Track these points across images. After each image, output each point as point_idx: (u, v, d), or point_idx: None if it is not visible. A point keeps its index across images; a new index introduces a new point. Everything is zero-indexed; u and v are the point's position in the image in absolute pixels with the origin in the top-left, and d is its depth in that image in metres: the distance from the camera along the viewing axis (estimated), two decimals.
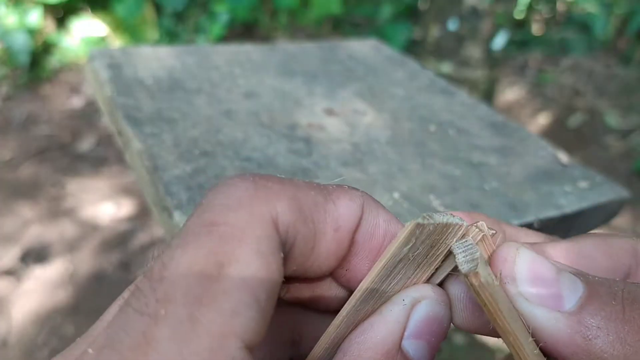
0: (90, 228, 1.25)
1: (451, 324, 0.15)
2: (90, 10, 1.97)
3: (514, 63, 2.05)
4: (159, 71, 0.42)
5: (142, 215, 1.30)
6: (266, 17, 2.05)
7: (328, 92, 0.44)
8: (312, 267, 0.15)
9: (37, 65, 1.83)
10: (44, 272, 1.12)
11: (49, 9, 1.91)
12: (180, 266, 0.12)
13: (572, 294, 0.13)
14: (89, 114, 1.69)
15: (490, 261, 0.14)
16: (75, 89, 1.80)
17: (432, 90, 0.47)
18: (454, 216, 0.14)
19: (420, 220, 0.13)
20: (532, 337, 0.13)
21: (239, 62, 0.47)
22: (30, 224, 1.25)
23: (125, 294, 0.13)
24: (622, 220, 1.35)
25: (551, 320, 0.13)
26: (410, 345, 0.14)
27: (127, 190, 1.38)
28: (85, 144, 1.56)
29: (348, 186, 0.15)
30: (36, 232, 1.22)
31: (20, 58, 1.76)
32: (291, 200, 0.13)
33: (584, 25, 2.10)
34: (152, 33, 1.94)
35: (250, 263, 0.12)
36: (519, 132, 0.41)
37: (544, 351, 0.14)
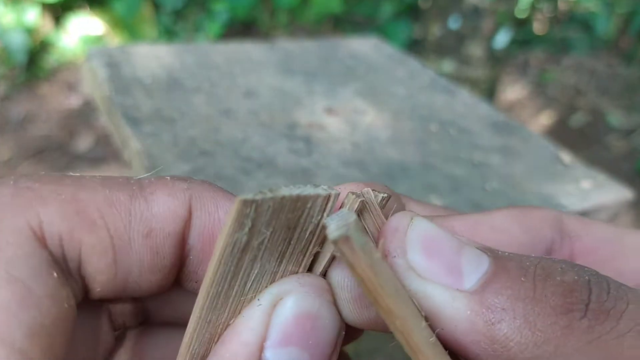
0: None
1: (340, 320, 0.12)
2: (88, 8, 1.97)
3: (516, 62, 2.05)
4: (157, 70, 0.42)
5: None
6: (266, 16, 2.04)
7: (328, 91, 0.44)
8: (131, 285, 0.12)
9: (34, 64, 1.82)
10: None
11: (46, 7, 1.90)
12: None
13: (475, 269, 0.11)
14: (87, 113, 1.69)
15: (378, 235, 0.12)
16: (73, 88, 1.79)
17: (433, 89, 0.47)
18: (317, 186, 0.11)
19: (248, 196, 0.10)
20: (427, 322, 0.11)
21: (238, 61, 0.46)
22: None
23: None
24: (624, 220, 1.34)
25: (447, 300, 0.11)
26: (276, 356, 0.11)
27: None
28: (84, 144, 1.55)
29: (172, 177, 0.12)
30: None
31: (18, 57, 1.76)
32: (64, 204, 0.10)
33: (586, 24, 2.10)
34: (151, 31, 1.94)
35: None
36: (521, 131, 0.41)
37: (442, 341, 0.11)
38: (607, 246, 0.14)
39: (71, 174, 0.11)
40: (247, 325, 0.11)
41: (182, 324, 0.13)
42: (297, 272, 0.12)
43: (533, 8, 2.21)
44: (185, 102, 0.38)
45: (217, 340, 0.11)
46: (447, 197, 0.31)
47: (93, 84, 0.42)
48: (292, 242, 0.11)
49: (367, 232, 0.11)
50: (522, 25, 2.17)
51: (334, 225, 0.10)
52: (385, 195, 0.12)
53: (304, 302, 0.11)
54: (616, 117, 1.75)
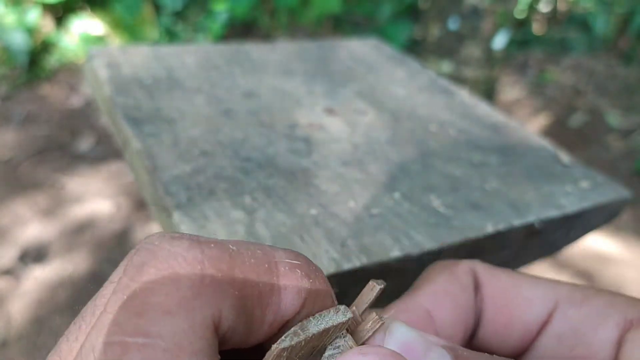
0: (89, 227, 1.25)
1: None
2: (89, 9, 1.97)
3: (515, 62, 2.05)
4: (158, 70, 0.42)
5: (141, 215, 1.30)
6: (266, 16, 2.04)
7: (328, 92, 0.44)
8: (242, 344, 0.14)
9: (36, 64, 1.82)
10: (43, 272, 1.12)
11: (47, 8, 1.90)
12: None
13: None
14: (88, 114, 1.69)
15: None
16: (74, 89, 1.80)
17: (432, 89, 0.47)
18: (337, 310, 0.14)
19: (285, 344, 0.13)
20: None
21: (238, 62, 0.47)
22: (29, 223, 1.25)
23: None
24: (623, 220, 1.35)
25: None
26: None
27: (126, 190, 1.38)
28: (84, 144, 1.55)
29: (300, 270, 0.14)
30: (35, 232, 1.22)
31: (19, 57, 1.76)
32: (237, 300, 0.13)
33: (584, 25, 2.10)
34: (152, 32, 1.94)
35: None
36: (520, 131, 0.41)
37: None
38: (503, 295, 0.18)
39: (232, 248, 0.13)
40: None
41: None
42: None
43: (532, 8, 2.21)
44: (185, 102, 0.38)
45: None
46: (446, 197, 0.32)
47: (94, 84, 0.42)
48: (312, 353, 0.14)
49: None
50: (521, 25, 2.17)
51: None
52: (382, 286, 0.15)
53: None
54: (615, 117, 1.75)
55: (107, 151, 1.53)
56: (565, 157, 0.38)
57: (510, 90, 1.91)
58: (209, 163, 0.31)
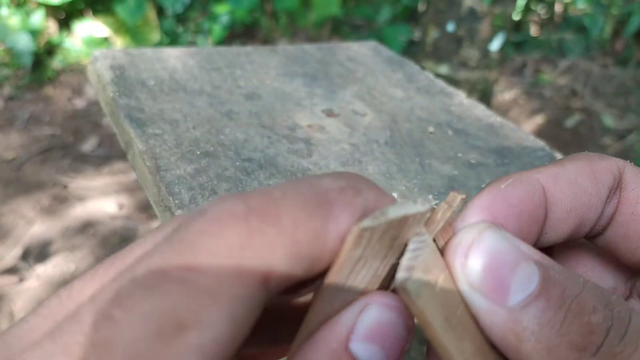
0: (92, 227, 1.26)
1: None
2: (92, 12, 1.98)
3: (512, 64, 2.06)
4: (160, 72, 0.43)
5: (143, 214, 1.31)
6: (266, 19, 2.05)
7: (328, 94, 0.44)
8: (309, 276, 0.14)
9: (39, 66, 1.84)
10: (46, 271, 1.13)
11: (51, 10, 1.92)
12: (137, 313, 0.10)
13: (522, 289, 0.12)
14: (91, 115, 1.70)
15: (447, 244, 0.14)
16: (77, 90, 1.81)
17: (430, 91, 0.48)
18: (415, 202, 0.13)
19: (366, 225, 0.12)
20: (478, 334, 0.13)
21: (240, 64, 0.47)
22: (32, 222, 1.25)
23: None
24: None
25: (488, 314, 0.13)
26: (358, 348, 0.13)
27: (129, 190, 1.39)
28: (88, 144, 1.56)
29: (350, 190, 0.13)
30: (38, 231, 1.22)
31: (23, 59, 1.77)
32: (289, 247, 0.12)
33: (581, 27, 2.11)
34: (154, 35, 1.95)
35: (216, 327, 0.11)
36: (517, 132, 0.42)
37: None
38: None
39: (277, 194, 0.12)
40: (341, 321, 0.14)
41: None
42: (393, 264, 0.14)
43: (528, 10, 2.22)
44: (188, 104, 0.39)
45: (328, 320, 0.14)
46: (444, 197, 0.32)
47: (97, 86, 0.43)
48: (393, 246, 0.14)
49: (438, 254, 0.14)
50: (517, 27, 2.18)
51: (405, 262, 0.13)
52: (464, 196, 0.15)
53: (384, 312, 0.14)
54: (611, 119, 1.75)
55: (110, 152, 1.54)
56: (561, 157, 0.38)
57: (507, 91, 1.91)
58: (211, 163, 0.32)
